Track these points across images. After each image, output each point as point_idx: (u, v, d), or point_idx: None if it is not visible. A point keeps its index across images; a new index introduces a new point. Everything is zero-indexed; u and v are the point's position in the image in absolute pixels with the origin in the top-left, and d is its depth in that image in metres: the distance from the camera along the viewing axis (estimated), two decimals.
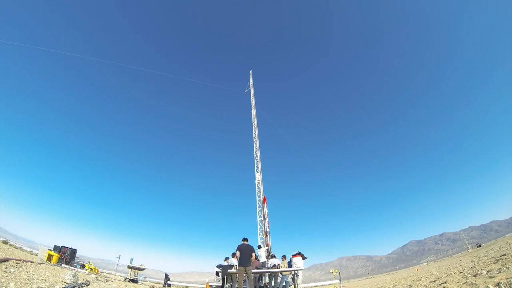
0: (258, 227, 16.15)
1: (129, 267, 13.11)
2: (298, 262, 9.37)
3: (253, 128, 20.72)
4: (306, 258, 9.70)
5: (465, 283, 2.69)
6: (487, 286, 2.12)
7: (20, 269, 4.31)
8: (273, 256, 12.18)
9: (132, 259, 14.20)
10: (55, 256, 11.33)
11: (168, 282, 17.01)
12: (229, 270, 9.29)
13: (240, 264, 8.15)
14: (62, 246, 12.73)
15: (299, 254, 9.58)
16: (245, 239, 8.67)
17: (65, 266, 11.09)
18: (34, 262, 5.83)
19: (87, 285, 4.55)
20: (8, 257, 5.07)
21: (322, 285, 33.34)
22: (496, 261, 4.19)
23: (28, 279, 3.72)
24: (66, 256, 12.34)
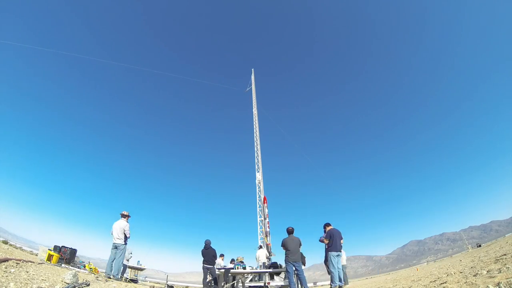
0: (258, 227, 16.14)
1: (129, 267, 13.10)
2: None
3: (254, 127, 20.57)
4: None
5: (465, 283, 2.69)
6: (487, 286, 2.12)
7: (20, 269, 4.30)
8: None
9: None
10: (55, 256, 11.27)
11: (168, 282, 17.03)
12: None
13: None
14: (62, 246, 12.67)
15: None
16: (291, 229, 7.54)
17: (65, 266, 11.07)
18: (34, 262, 5.82)
19: (87, 285, 4.55)
20: (8, 257, 5.06)
21: (322, 285, 33.31)
22: (496, 261, 4.20)
23: (28, 279, 3.71)
24: (66, 256, 12.29)
